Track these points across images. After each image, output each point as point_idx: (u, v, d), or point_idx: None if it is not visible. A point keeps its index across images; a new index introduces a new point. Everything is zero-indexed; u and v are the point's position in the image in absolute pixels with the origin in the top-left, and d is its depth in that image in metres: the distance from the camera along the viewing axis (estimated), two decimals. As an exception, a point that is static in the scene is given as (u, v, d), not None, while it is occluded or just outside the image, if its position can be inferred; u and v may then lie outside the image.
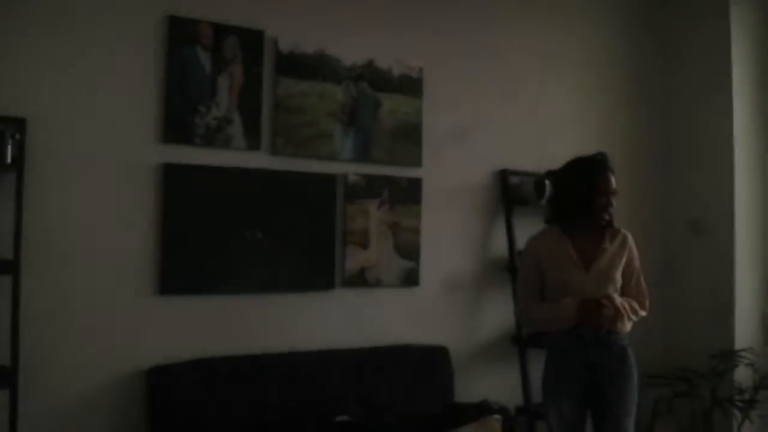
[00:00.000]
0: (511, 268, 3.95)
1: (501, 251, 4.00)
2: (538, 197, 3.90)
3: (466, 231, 3.93)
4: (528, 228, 3.94)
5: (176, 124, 3.13)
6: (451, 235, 3.88)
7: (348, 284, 3.51)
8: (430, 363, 3.59)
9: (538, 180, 3.89)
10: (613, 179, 2.84)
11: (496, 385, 3.82)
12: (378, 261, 3.61)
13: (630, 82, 4.61)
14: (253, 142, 3.29)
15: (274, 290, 3.31)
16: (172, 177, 3.09)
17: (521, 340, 3.89)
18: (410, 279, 3.71)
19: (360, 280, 3.56)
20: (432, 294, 3.81)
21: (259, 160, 3.31)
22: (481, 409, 3.22)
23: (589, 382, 2.79)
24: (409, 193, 3.71)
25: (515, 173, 4.04)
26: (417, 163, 3.75)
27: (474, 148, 3.94)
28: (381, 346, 3.55)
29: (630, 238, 2.95)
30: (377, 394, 3.37)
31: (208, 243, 3.15)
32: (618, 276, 2.86)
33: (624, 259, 2.88)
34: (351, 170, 3.57)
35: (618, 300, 2.79)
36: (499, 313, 4.00)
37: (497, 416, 3.18)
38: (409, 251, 3.71)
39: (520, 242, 4.03)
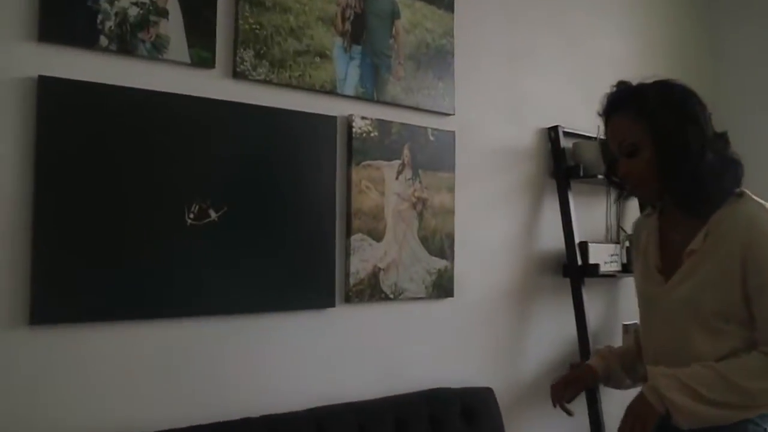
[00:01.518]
0: (570, 269, 2.81)
1: (553, 244, 2.86)
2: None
3: (510, 214, 2.73)
4: (591, 208, 2.74)
5: (62, 11, 1.73)
6: (492, 219, 2.67)
7: (354, 298, 2.20)
8: (472, 413, 2.37)
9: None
10: (626, 129, 1.55)
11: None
12: (397, 259, 2.33)
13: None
14: (201, 55, 1.91)
15: (236, 311, 1.94)
16: (53, 102, 1.66)
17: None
18: (442, 287, 2.46)
19: (372, 289, 2.26)
20: (471, 308, 2.55)
21: (212, 84, 1.93)
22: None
23: None
24: (438, 154, 2.47)
25: (570, 134, 2.91)
26: (449, 108, 2.52)
27: (518, 95, 2.78)
28: (407, 393, 2.29)
29: (757, 222, 1.48)
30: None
31: (117, 229, 1.75)
32: (715, 303, 1.49)
33: (735, 272, 1.47)
34: (357, 112, 2.29)
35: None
36: (552, 334, 2.85)
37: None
38: (441, 244, 2.45)
39: (583, 230, 2.90)
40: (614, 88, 1.61)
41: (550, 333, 2.81)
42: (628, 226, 3.05)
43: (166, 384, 1.82)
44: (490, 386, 2.47)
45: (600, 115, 1.62)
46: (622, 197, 1.77)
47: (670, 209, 1.64)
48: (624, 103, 1.56)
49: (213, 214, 1.90)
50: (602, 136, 1.70)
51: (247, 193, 1.97)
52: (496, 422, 2.39)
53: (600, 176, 2.75)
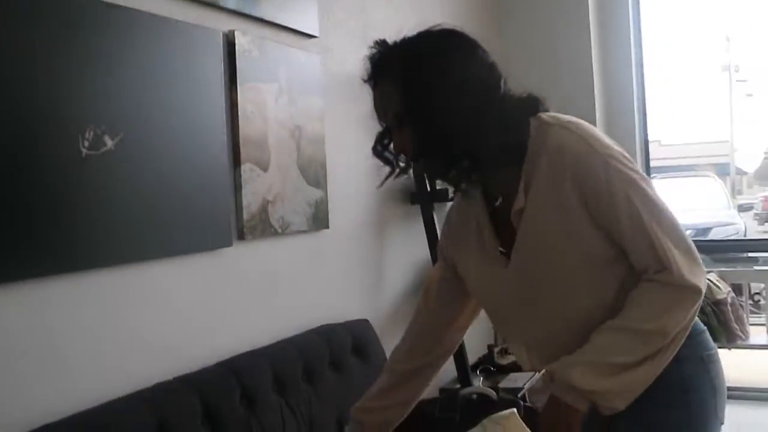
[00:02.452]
0: (419, 196, 2.90)
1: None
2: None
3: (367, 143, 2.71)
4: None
5: None
6: (354, 150, 2.62)
7: (248, 234, 2.03)
8: (361, 344, 2.34)
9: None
10: (386, 97, 1.30)
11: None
12: (282, 191, 2.18)
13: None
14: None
15: (130, 259, 1.65)
16: None
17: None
18: (320, 219, 2.36)
19: (263, 224, 2.10)
20: (343, 240, 2.50)
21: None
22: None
23: None
24: (306, 78, 2.34)
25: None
26: (312, 27, 2.37)
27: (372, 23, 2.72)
28: (306, 331, 2.17)
29: (567, 147, 1.26)
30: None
31: None
32: (573, 255, 1.28)
33: (577, 211, 1.26)
34: (239, 27, 2.06)
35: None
36: (409, 260, 2.91)
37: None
38: (316, 174, 2.35)
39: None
40: (373, 50, 1.33)
41: (407, 259, 2.89)
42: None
43: (46, 363, 1.50)
44: (366, 317, 2.48)
45: (366, 82, 1.34)
46: (393, 176, 1.42)
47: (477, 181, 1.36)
48: (380, 68, 1.31)
49: (108, 142, 1.59)
50: None
51: (140, 117, 1.68)
52: (379, 354, 2.41)
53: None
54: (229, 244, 1.94)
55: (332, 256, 2.44)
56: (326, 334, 2.23)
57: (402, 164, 1.37)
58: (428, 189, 2.86)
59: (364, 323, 2.42)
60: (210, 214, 1.89)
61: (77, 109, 1.52)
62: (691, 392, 1.32)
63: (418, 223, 2.90)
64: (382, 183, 1.42)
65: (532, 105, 1.32)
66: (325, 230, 2.38)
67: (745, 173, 15.99)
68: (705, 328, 1.38)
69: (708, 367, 1.34)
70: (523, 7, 3.77)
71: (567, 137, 1.26)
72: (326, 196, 2.37)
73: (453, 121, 1.24)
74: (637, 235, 1.23)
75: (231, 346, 1.92)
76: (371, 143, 1.41)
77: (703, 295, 1.26)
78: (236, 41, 1.99)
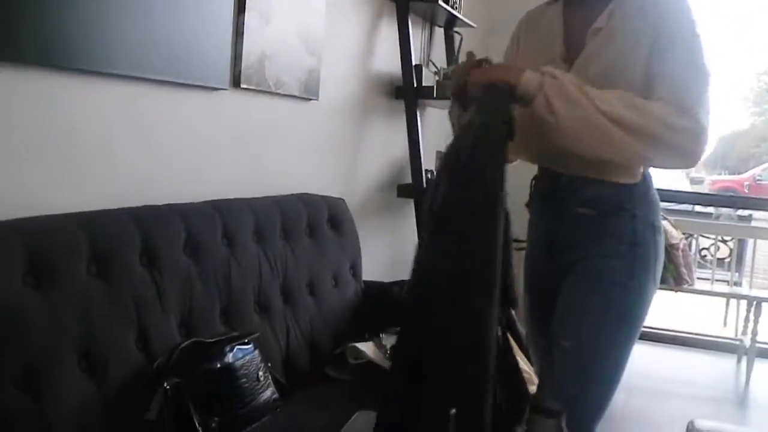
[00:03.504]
0: (405, 90, 2.93)
1: (387, 68, 2.94)
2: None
3: (353, 29, 2.72)
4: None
5: None
6: (342, 30, 2.63)
7: (244, 82, 2.04)
8: (336, 219, 2.40)
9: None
10: None
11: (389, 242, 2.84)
12: (282, 48, 2.19)
13: None
14: None
15: (134, 75, 1.65)
16: None
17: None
18: (311, 88, 2.38)
19: (259, 77, 2.11)
20: (329, 115, 2.54)
21: None
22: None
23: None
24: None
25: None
26: None
27: None
28: (284, 194, 2.23)
29: (667, 3, 1.40)
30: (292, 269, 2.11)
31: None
32: (629, 80, 1.37)
33: (644, 50, 1.37)
34: None
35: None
36: (386, 154, 2.98)
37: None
38: (314, 41, 2.36)
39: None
40: None
41: (385, 150, 2.94)
42: (437, 60, 3.28)
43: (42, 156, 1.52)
44: (342, 197, 2.53)
45: None
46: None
47: None
48: None
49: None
50: None
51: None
52: (353, 231, 2.47)
53: (436, 1, 2.90)
54: (225, 87, 1.95)
55: (318, 129, 2.47)
56: (306, 201, 2.27)
57: None
58: (414, 85, 2.91)
59: (341, 201, 2.48)
60: (210, 53, 1.89)
61: None
62: (639, 246, 1.46)
63: (400, 119, 2.95)
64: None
65: None
66: (314, 101, 2.40)
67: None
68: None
69: (655, 232, 1.49)
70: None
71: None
72: (319, 67, 2.39)
73: None
74: (680, 90, 1.33)
75: (216, 189, 1.95)
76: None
77: (698, 155, 1.35)
78: None
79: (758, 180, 13.49)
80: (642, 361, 3.59)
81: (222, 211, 1.87)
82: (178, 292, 1.66)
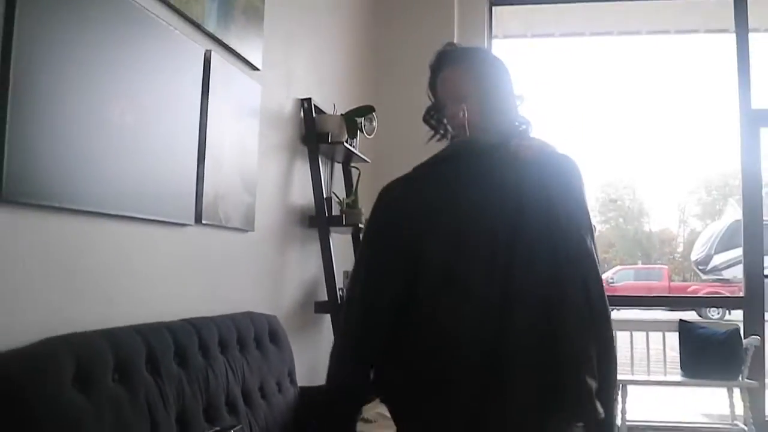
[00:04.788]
0: (319, 220, 3.49)
1: (303, 200, 3.50)
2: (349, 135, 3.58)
3: (275, 170, 3.29)
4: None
5: None
6: (277, 164, 3.19)
7: (204, 220, 2.51)
8: (275, 333, 2.84)
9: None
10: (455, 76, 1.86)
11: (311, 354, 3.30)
12: (229, 189, 2.69)
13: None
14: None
15: (130, 216, 2.11)
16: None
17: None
18: (248, 220, 2.88)
19: (214, 214, 2.59)
20: (264, 243, 3.05)
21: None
22: None
23: None
24: (250, 101, 2.91)
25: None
26: (257, 61, 2.95)
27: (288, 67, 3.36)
28: (233, 313, 2.65)
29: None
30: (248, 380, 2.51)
31: (66, 117, 1.82)
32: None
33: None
34: (213, 48, 2.58)
35: None
36: (305, 275, 3.49)
37: None
38: (250, 182, 2.88)
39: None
40: (447, 47, 1.89)
41: (301, 274, 3.46)
42: (337, 190, 3.89)
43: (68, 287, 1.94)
44: (274, 314, 3.00)
45: (433, 67, 1.88)
46: (436, 138, 1.94)
47: None
48: (457, 58, 1.86)
49: (129, 117, 2.08)
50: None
51: (143, 105, 2.18)
52: (287, 343, 2.92)
53: (341, 142, 3.54)
54: (191, 223, 2.43)
55: (253, 255, 2.96)
56: (252, 317, 2.72)
57: (441, 132, 1.92)
58: (326, 214, 3.48)
59: (274, 318, 2.94)
60: (180, 196, 2.37)
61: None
62: None
63: (312, 244, 3.50)
64: (428, 141, 1.94)
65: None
66: (251, 232, 2.91)
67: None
68: None
69: None
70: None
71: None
72: (254, 203, 2.91)
73: (502, 103, 1.84)
74: None
75: (185, 307, 2.37)
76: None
77: None
78: (212, 59, 2.54)
79: (611, 282, 15.07)
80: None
81: (196, 326, 2.30)
82: (174, 395, 2.06)
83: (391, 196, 1.80)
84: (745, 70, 4.79)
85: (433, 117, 1.93)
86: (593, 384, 1.62)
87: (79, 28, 1.87)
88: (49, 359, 1.67)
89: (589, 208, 1.79)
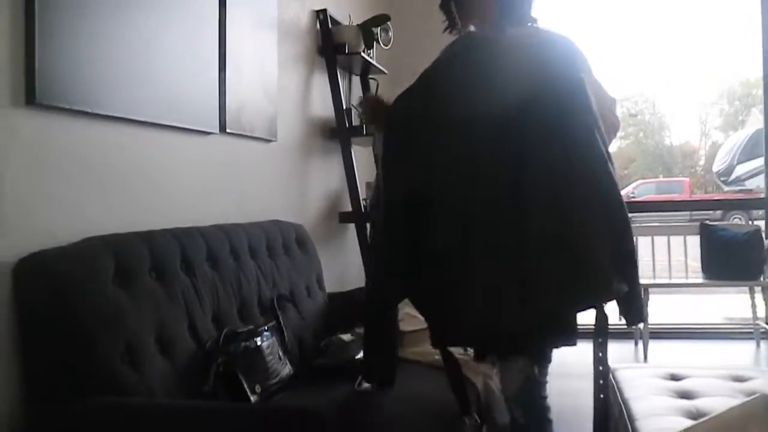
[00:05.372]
0: (339, 132, 3.53)
1: (323, 111, 3.53)
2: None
3: (293, 81, 3.31)
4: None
5: None
6: (285, 82, 3.21)
7: (228, 129, 2.55)
8: (301, 240, 2.92)
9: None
10: None
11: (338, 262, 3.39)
12: (252, 99, 2.72)
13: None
14: None
15: (157, 123, 2.14)
16: None
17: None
18: (272, 130, 2.92)
19: (239, 124, 2.62)
20: (287, 153, 3.09)
21: None
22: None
23: None
24: (266, 14, 2.91)
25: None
26: (271, -30, 2.94)
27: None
28: (262, 221, 2.72)
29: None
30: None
31: (91, 26, 1.84)
32: None
33: None
34: (227, -45, 2.58)
35: None
36: (327, 185, 3.56)
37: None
38: (271, 92, 2.91)
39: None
40: None
41: (325, 185, 3.51)
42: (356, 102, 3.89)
43: (115, 187, 1.99)
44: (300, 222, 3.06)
45: None
46: (450, 30, 2.05)
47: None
48: None
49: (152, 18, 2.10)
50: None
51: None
52: (314, 251, 3.00)
53: (358, 53, 3.53)
54: (216, 131, 2.47)
55: (277, 165, 3.01)
56: (279, 225, 2.78)
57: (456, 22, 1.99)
58: (347, 126, 3.50)
59: (301, 226, 3.00)
60: (204, 104, 2.41)
61: None
62: None
63: (333, 156, 3.54)
64: (444, 32, 2.04)
65: None
66: (274, 142, 2.94)
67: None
68: None
69: None
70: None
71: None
72: (276, 114, 2.94)
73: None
74: None
75: (214, 215, 2.44)
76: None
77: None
78: (226, -30, 2.53)
79: (632, 197, 15.04)
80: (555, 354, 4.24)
81: (227, 232, 2.37)
82: (208, 294, 2.14)
83: (402, 104, 1.89)
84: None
85: (449, 4, 1.99)
86: (611, 270, 1.67)
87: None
88: (90, 257, 1.74)
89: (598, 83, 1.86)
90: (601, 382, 1.81)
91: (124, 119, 2.01)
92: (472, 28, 2.01)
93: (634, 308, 1.77)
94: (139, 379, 1.74)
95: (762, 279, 4.54)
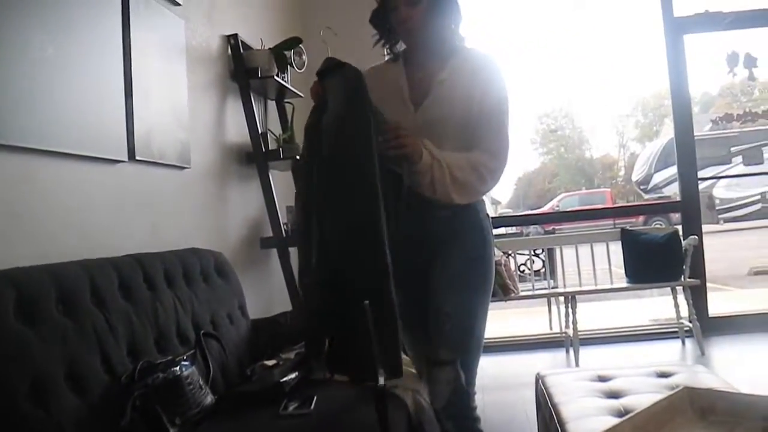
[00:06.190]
0: (256, 156, 3.48)
1: (238, 137, 3.48)
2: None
3: (205, 109, 3.26)
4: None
5: None
6: (197, 111, 3.16)
7: (138, 156, 2.48)
8: (221, 268, 2.86)
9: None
10: None
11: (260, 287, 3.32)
12: (161, 124, 2.66)
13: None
14: None
15: (60, 152, 2.07)
16: None
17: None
18: (184, 156, 2.85)
19: (148, 150, 2.56)
20: (202, 180, 3.04)
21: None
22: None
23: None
24: (173, 38, 2.86)
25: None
26: (176, -5, 2.90)
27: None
28: (176, 249, 2.65)
29: (491, 64, 2.12)
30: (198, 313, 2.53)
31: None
32: (460, 120, 2.06)
33: (475, 94, 2.06)
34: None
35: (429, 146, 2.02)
36: (245, 211, 3.50)
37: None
38: (181, 117, 2.85)
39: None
40: None
41: (246, 210, 3.46)
42: (273, 127, 3.87)
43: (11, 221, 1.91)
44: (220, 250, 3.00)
45: None
46: (383, 43, 2.19)
47: (414, 54, 2.15)
48: None
49: (50, 49, 2.03)
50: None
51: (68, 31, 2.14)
52: (235, 278, 2.94)
53: (272, 77, 3.51)
54: (124, 159, 2.40)
55: (192, 192, 2.95)
56: (197, 253, 2.72)
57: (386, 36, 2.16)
58: (263, 149, 3.47)
59: (220, 254, 2.95)
60: (110, 131, 2.34)
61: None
62: (487, 246, 2.14)
63: (251, 180, 3.50)
64: (374, 45, 2.19)
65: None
66: (188, 169, 2.89)
67: (499, 202, 18.57)
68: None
69: (492, 240, 2.17)
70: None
71: (495, 63, 2.12)
72: (189, 140, 2.89)
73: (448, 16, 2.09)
74: (494, 140, 2.08)
75: (128, 245, 2.37)
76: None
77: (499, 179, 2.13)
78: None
79: (557, 209, 15.46)
80: (489, 368, 4.28)
81: (140, 261, 2.29)
82: (122, 326, 2.06)
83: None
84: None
85: (380, 19, 2.11)
86: None
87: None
88: (-12, 291, 1.66)
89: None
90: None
91: (26, 148, 1.94)
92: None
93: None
94: (47, 417, 1.65)
95: (683, 279, 4.68)
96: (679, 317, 4.87)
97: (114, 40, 2.40)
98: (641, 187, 15.93)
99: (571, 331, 4.58)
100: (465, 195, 2.06)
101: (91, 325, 1.93)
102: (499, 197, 18.17)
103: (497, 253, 4.60)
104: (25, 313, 1.72)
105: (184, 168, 2.86)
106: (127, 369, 1.97)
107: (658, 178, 14.88)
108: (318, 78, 2.04)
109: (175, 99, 2.81)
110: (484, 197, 2.18)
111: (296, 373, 2.38)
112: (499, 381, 4.22)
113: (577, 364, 4.46)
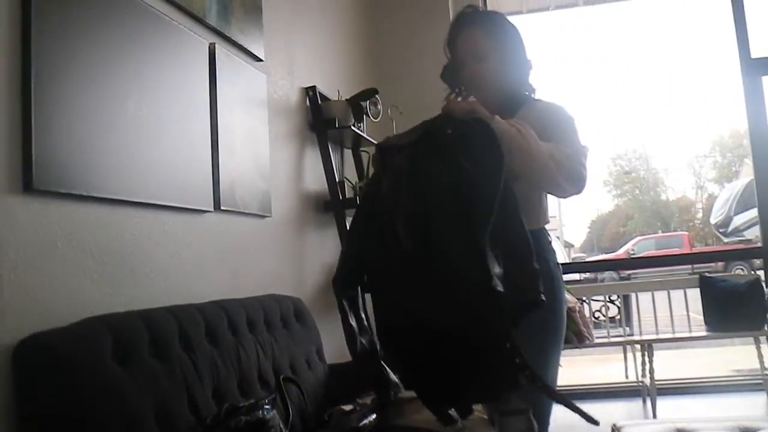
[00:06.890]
0: (333, 204, 3.59)
1: (317, 185, 3.60)
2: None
3: (284, 158, 3.39)
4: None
5: None
6: (288, 152, 3.30)
7: (222, 206, 2.62)
8: (300, 313, 2.95)
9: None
10: (478, 40, 2.10)
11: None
12: (244, 176, 2.80)
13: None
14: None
15: (151, 203, 2.21)
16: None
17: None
18: (265, 205, 2.98)
19: (232, 200, 2.69)
20: (282, 228, 3.16)
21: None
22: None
23: None
24: (255, 91, 3.01)
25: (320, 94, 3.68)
26: (259, 51, 3.06)
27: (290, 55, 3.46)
28: (257, 295, 2.75)
29: (559, 110, 2.08)
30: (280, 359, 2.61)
31: (85, 111, 1.93)
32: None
33: (543, 135, 1.89)
34: (216, 41, 2.68)
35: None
36: (323, 258, 3.59)
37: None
38: (262, 169, 2.99)
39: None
40: (468, 9, 2.14)
41: (322, 257, 3.55)
42: (349, 175, 3.98)
43: (115, 265, 2.04)
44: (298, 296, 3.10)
45: (453, 27, 2.14)
46: (453, 96, 2.20)
47: (484, 107, 2.07)
48: (478, 20, 2.12)
49: (143, 108, 2.18)
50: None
51: (159, 90, 2.29)
52: (313, 323, 3.03)
53: (349, 126, 3.63)
54: (210, 209, 2.53)
55: (272, 240, 3.06)
56: (277, 299, 2.82)
57: (457, 90, 2.18)
58: (339, 198, 3.57)
59: (299, 300, 3.04)
60: (198, 183, 2.48)
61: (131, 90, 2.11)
62: (558, 295, 2.09)
63: (329, 228, 3.60)
64: (447, 97, 2.20)
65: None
66: (269, 217, 3.01)
67: (572, 245, 18.24)
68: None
69: (562, 287, 2.13)
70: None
71: (563, 109, 2.08)
72: (270, 189, 3.01)
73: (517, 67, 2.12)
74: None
75: (210, 291, 2.47)
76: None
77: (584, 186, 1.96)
78: (216, 51, 2.64)
79: (632, 254, 15.08)
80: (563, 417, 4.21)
81: (224, 308, 2.40)
82: (208, 370, 2.16)
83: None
84: (742, 19, 4.82)
85: (451, 75, 2.15)
86: None
87: (91, 26, 1.98)
88: (89, 335, 1.77)
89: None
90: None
91: (120, 200, 2.07)
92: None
93: None
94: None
95: (766, 328, 4.53)
96: (763, 368, 4.70)
97: (202, 97, 2.55)
98: (720, 230, 15.41)
99: (648, 380, 4.48)
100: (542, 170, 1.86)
101: (179, 368, 2.03)
102: (573, 240, 17.88)
103: (571, 300, 4.57)
104: (121, 356, 1.83)
105: (265, 216, 2.97)
106: (212, 411, 2.05)
107: (738, 220, 14.34)
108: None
109: (257, 150, 2.94)
110: (556, 244, 2.16)
111: (374, 416, 2.43)
112: (573, 431, 4.15)
113: (654, 415, 4.35)
